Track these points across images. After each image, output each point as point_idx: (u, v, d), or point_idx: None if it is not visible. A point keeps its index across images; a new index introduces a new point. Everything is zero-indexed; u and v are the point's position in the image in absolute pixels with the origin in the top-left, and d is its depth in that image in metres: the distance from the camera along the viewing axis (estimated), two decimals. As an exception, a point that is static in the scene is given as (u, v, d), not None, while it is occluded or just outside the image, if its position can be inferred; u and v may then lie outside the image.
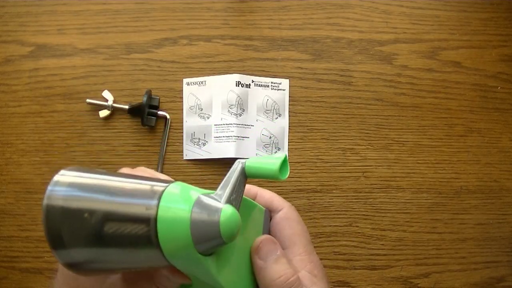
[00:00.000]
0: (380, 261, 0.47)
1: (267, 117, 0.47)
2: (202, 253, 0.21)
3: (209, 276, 0.22)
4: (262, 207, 0.28)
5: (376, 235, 0.47)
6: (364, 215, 0.47)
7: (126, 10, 0.47)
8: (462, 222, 0.47)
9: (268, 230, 0.28)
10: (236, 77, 0.46)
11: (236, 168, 0.24)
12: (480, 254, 0.47)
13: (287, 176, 0.24)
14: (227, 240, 0.20)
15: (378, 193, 0.47)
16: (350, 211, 0.47)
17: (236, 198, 0.23)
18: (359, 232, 0.47)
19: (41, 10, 0.47)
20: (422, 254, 0.47)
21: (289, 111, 0.47)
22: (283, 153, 0.26)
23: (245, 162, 0.24)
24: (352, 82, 0.48)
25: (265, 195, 0.29)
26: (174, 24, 0.47)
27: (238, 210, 0.22)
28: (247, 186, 0.28)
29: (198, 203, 0.20)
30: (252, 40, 0.47)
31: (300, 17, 0.48)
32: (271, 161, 0.24)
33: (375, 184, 0.47)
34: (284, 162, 0.24)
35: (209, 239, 0.20)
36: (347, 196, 0.47)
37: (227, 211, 0.20)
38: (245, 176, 0.24)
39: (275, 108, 0.47)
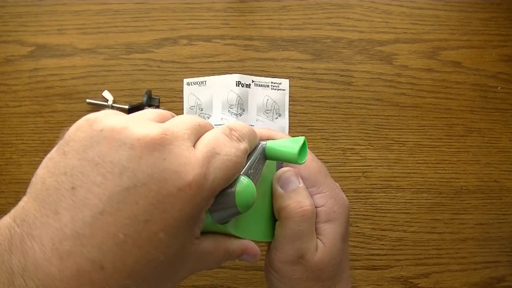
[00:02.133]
0: (380, 261, 0.47)
1: (267, 117, 0.47)
2: (219, 221, 0.22)
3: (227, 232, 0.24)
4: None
5: (376, 235, 0.47)
6: (364, 215, 0.47)
7: (126, 10, 0.47)
8: (462, 222, 0.47)
9: (281, 164, 0.30)
10: (236, 77, 0.46)
11: (258, 147, 0.25)
12: (480, 254, 0.47)
13: (304, 160, 0.25)
14: (242, 210, 0.21)
15: (378, 193, 0.47)
16: (350, 211, 0.47)
17: (255, 173, 0.24)
18: (359, 232, 0.47)
19: (41, 10, 0.47)
20: (422, 254, 0.47)
21: (289, 111, 0.47)
22: (302, 137, 0.26)
23: (266, 143, 0.25)
24: (352, 82, 0.48)
25: (277, 136, 0.30)
26: (174, 24, 0.47)
27: (255, 183, 0.23)
28: (260, 129, 0.30)
29: None
30: (252, 40, 0.47)
31: (300, 17, 0.48)
32: (291, 144, 0.25)
33: (375, 184, 0.47)
34: (303, 146, 0.25)
35: (225, 208, 0.21)
36: (347, 196, 0.46)
37: (243, 182, 0.21)
38: (265, 157, 0.25)
39: (275, 108, 0.47)
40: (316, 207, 0.29)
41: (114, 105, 0.45)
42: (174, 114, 0.23)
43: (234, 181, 0.22)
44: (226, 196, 0.21)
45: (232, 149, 0.21)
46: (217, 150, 0.21)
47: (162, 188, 0.19)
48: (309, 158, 0.29)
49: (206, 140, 0.21)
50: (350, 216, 0.47)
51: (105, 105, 0.45)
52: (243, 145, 0.22)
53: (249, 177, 0.22)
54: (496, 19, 0.49)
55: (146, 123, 0.20)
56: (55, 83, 0.46)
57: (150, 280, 0.20)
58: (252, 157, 0.24)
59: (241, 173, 0.22)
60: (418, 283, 0.47)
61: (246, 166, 0.23)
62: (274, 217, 0.30)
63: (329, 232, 0.29)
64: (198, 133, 0.22)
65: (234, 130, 0.22)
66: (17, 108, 0.46)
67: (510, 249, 0.47)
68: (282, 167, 0.30)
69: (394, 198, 0.47)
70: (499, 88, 0.49)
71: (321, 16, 0.48)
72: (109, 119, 0.20)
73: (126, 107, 0.45)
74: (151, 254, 0.19)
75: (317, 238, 0.29)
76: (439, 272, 0.47)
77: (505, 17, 0.49)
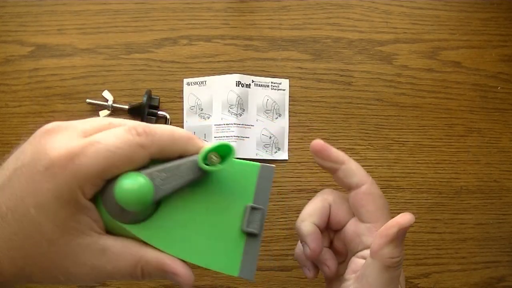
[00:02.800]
0: (380, 261, 0.47)
1: (267, 117, 0.47)
2: (110, 214, 0.22)
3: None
4: (256, 164, 0.25)
5: (376, 235, 0.47)
6: (364, 215, 0.47)
7: (126, 10, 0.47)
8: (462, 222, 0.47)
9: (267, 189, 0.25)
10: (236, 77, 0.46)
11: (188, 156, 0.23)
12: (480, 254, 0.47)
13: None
14: (122, 204, 0.21)
15: (378, 193, 0.47)
16: (350, 211, 0.47)
17: (169, 179, 0.22)
18: (359, 232, 0.47)
19: (41, 10, 0.47)
20: (422, 254, 0.47)
21: (289, 111, 0.47)
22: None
23: (198, 156, 0.23)
24: (352, 82, 0.48)
25: (351, 167, 0.29)
26: (174, 24, 0.47)
27: (168, 189, 0.22)
28: (338, 152, 0.29)
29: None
30: (252, 40, 0.47)
31: (300, 17, 0.48)
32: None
33: (375, 184, 0.47)
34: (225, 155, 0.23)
35: (109, 199, 0.22)
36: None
37: (127, 176, 0.21)
38: (200, 169, 0.23)
39: (275, 108, 0.47)
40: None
41: (114, 105, 0.45)
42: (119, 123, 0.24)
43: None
44: (109, 186, 0.22)
45: (118, 140, 0.21)
46: (100, 140, 0.21)
47: (34, 167, 0.21)
48: (378, 194, 0.29)
49: (99, 133, 0.22)
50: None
51: (105, 105, 0.45)
52: (139, 140, 0.21)
53: (151, 178, 0.22)
54: (496, 19, 0.49)
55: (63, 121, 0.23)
56: (55, 83, 0.46)
57: (32, 262, 0.21)
58: (170, 162, 0.23)
59: (141, 171, 0.22)
60: (418, 283, 0.47)
61: (155, 167, 0.22)
62: (235, 243, 0.24)
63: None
64: (101, 129, 0.23)
65: (141, 127, 0.22)
66: (17, 108, 0.46)
67: (510, 249, 0.47)
68: (265, 195, 0.25)
69: (394, 198, 0.47)
70: (499, 88, 0.49)
71: (321, 16, 0.48)
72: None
73: (126, 107, 0.45)
74: (26, 229, 0.21)
75: None
76: (439, 272, 0.47)
77: (505, 17, 0.49)
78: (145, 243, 0.23)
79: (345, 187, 0.30)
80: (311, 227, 0.29)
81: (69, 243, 0.21)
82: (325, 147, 0.29)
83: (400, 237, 0.25)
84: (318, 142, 0.29)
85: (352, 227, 0.30)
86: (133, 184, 0.21)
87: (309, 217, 0.30)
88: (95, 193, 0.22)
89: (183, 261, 0.23)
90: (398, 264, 0.26)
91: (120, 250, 0.22)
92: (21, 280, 0.22)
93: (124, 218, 0.22)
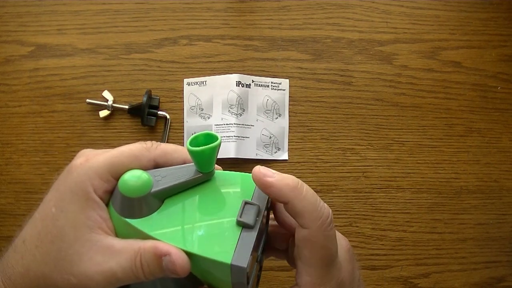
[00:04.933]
0: (380, 261, 0.47)
1: (267, 117, 0.47)
2: (116, 207, 0.25)
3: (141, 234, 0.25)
4: (235, 174, 0.27)
5: (376, 235, 0.47)
6: (364, 215, 0.47)
7: (126, 10, 0.47)
8: (462, 222, 0.47)
9: (265, 198, 0.26)
10: (237, 77, 0.46)
11: (190, 164, 0.26)
12: (480, 254, 0.47)
13: (209, 169, 0.26)
14: (122, 191, 0.24)
15: (378, 193, 0.47)
16: (350, 211, 0.47)
17: (170, 177, 0.25)
18: (359, 232, 0.47)
19: (41, 10, 0.47)
20: (422, 254, 0.47)
21: (289, 111, 0.47)
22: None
23: (186, 143, 0.25)
24: (352, 82, 0.48)
25: (296, 206, 0.25)
26: (174, 24, 0.47)
27: (168, 186, 0.25)
28: (281, 189, 0.25)
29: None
30: (252, 40, 0.47)
31: (300, 17, 0.48)
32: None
33: (375, 184, 0.47)
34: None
35: (115, 191, 0.25)
36: (347, 196, 0.47)
37: (132, 170, 0.25)
38: (199, 173, 0.26)
39: (275, 108, 0.47)
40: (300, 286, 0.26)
41: (114, 105, 0.45)
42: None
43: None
44: (116, 189, 0.25)
45: (128, 145, 0.25)
46: (114, 150, 0.25)
47: (61, 175, 0.25)
48: (319, 244, 0.25)
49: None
50: (350, 216, 0.47)
51: (105, 105, 0.45)
52: (145, 145, 0.26)
53: (152, 175, 0.25)
54: (496, 19, 0.49)
55: None
56: (55, 83, 0.46)
57: (49, 259, 0.24)
58: (173, 167, 0.26)
59: (147, 170, 0.25)
60: (418, 283, 0.47)
61: (159, 169, 0.26)
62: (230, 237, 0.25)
63: None
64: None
65: (152, 142, 0.26)
66: (17, 108, 0.46)
67: (510, 249, 0.47)
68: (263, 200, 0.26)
69: (394, 198, 0.47)
70: (499, 88, 0.49)
71: (321, 16, 0.48)
72: None
73: (126, 107, 0.45)
74: (47, 227, 0.25)
75: None
76: (439, 272, 0.47)
77: (505, 17, 0.49)
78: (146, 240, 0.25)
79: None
80: None
81: (79, 239, 0.24)
82: (264, 181, 0.25)
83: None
84: (257, 173, 0.25)
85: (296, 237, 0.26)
86: (134, 174, 0.24)
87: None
88: (105, 192, 0.25)
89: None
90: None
91: (122, 246, 0.24)
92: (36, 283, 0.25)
93: (130, 214, 0.25)
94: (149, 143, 0.26)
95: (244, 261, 0.23)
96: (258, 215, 0.24)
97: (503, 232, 0.48)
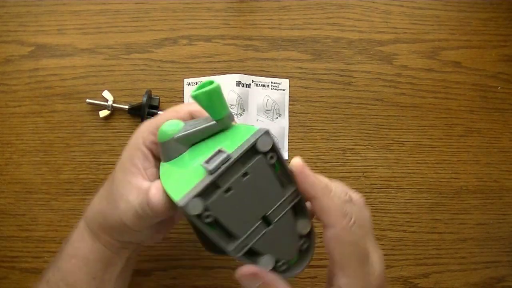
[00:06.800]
0: (380, 261, 0.47)
1: (267, 117, 0.47)
2: (161, 155, 0.31)
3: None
4: (255, 127, 0.27)
5: (376, 235, 0.47)
6: (364, 215, 0.47)
7: (126, 10, 0.47)
8: (462, 222, 0.47)
9: (253, 141, 0.25)
10: (237, 77, 0.46)
11: (210, 120, 0.29)
12: (480, 254, 0.47)
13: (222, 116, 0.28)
14: (159, 138, 0.30)
15: (378, 193, 0.47)
16: (350, 211, 0.47)
17: (195, 124, 0.29)
18: (359, 232, 0.47)
19: (41, 10, 0.47)
20: (422, 254, 0.47)
21: (289, 111, 0.47)
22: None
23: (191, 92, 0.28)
24: (352, 82, 0.48)
25: (323, 204, 0.25)
26: (174, 24, 0.47)
27: (190, 133, 0.29)
28: (313, 183, 0.26)
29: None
30: (252, 40, 0.47)
31: (300, 17, 0.48)
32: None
33: (375, 184, 0.47)
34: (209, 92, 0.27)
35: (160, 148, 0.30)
36: (347, 196, 0.47)
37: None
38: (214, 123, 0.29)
39: (275, 108, 0.47)
40: None
41: (114, 105, 0.45)
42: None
43: None
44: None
45: (171, 108, 0.32)
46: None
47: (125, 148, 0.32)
48: (348, 241, 0.25)
49: None
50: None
51: (105, 105, 0.45)
52: (184, 103, 0.33)
53: (182, 125, 0.30)
54: (496, 19, 0.49)
55: None
56: (55, 83, 0.46)
57: (106, 192, 0.32)
58: (200, 118, 0.31)
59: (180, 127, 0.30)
60: (418, 283, 0.47)
61: (190, 120, 0.31)
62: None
63: None
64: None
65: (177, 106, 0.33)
66: (17, 108, 0.46)
67: (510, 249, 0.47)
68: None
69: (394, 198, 0.47)
70: (499, 88, 0.49)
71: (321, 16, 0.48)
72: None
73: (126, 107, 0.45)
74: (112, 171, 0.32)
75: None
76: (439, 272, 0.47)
77: (505, 17, 0.49)
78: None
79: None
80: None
81: (123, 181, 0.30)
82: (303, 172, 0.26)
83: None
84: (298, 163, 0.26)
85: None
86: (166, 123, 0.30)
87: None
88: (152, 142, 0.31)
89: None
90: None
91: (146, 187, 0.29)
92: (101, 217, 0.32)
93: (164, 158, 0.30)
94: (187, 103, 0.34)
95: (183, 200, 0.23)
96: (224, 162, 0.24)
97: (503, 232, 0.48)
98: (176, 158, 0.29)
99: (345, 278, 0.25)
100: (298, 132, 0.47)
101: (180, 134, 0.29)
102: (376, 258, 0.27)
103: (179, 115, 0.31)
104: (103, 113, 0.45)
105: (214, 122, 0.28)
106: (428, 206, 0.47)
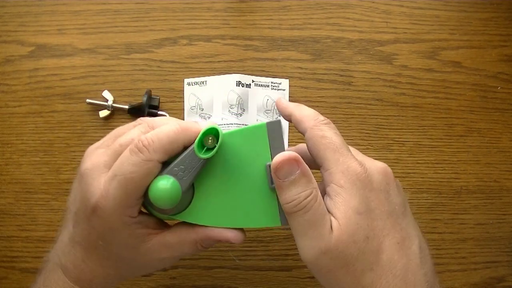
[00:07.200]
0: (380, 261, 0.47)
1: (267, 117, 0.47)
2: (160, 213, 0.28)
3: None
4: (262, 123, 0.28)
5: (376, 235, 0.47)
6: (364, 215, 0.47)
7: (126, 10, 0.47)
8: (462, 222, 0.47)
9: (281, 143, 0.28)
10: (237, 77, 0.46)
11: (190, 147, 0.26)
12: (480, 254, 0.47)
13: (208, 154, 0.26)
14: (159, 204, 0.25)
15: (378, 193, 0.47)
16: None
17: (186, 169, 0.26)
18: (359, 232, 0.47)
19: (41, 10, 0.47)
20: (422, 254, 0.47)
21: (289, 111, 0.47)
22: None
23: (193, 145, 0.26)
24: (352, 82, 0.48)
25: (296, 116, 0.30)
26: (174, 24, 0.47)
27: (188, 178, 0.26)
28: (286, 105, 0.31)
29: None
30: (252, 40, 0.47)
31: (300, 17, 0.48)
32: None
33: (375, 184, 0.47)
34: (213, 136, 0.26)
35: (150, 203, 0.27)
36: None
37: (154, 181, 0.25)
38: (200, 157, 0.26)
39: (275, 108, 0.47)
40: (326, 186, 0.27)
41: (114, 105, 0.45)
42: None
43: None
44: (145, 194, 0.26)
45: (129, 166, 0.26)
46: (116, 172, 0.26)
47: (86, 211, 0.27)
48: (320, 135, 0.28)
49: (114, 165, 0.27)
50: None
51: (105, 105, 0.45)
52: (146, 156, 0.25)
53: (173, 174, 0.25)
54: (496, 19, 0.49)
55: (88, 155, 0.30)
56: (55, 83, 0.46)
57: (111, 260, 0.29)
58: (181, 156, 0.26)
59: (163, 173, 0.26)
60: (418, 283, 0.47)
61: (171, 165, 0.26)
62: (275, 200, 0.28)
63: (339, 206, 0.26)
64: (117, 155, 0.27)
65: (142, 142, 0.26)
66: (17, 108, 0.46)
67: (510, 249, 0.47)
68: (280, 149, 0.28)
69: (394, 198, 0.47)
70: (499, 88, 0.49)
71: (321, 16, 0.48)
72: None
73: (126, 107, 0.45)
74: (94, 254, 0.29)
75: (331, 217, 0.26)
76: (439, 272, 0.47)
77: (505, 17, 0.49)
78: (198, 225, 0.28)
79: None
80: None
81: (138, 251, 0.28)
82: (277, 102, 0.32)
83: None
84: (277, 99, 0.32)
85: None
86: (156, 185, 0.25)
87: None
88: (138, 206, 0.27)
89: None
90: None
91: (178, 240, 0.28)
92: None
93: (172, 213, 0.27)
94: (140, 146, 0.26)
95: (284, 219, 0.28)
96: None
97: (503, 232, 0.48)
98: (191, 205, 0.28)
99: (327, 169, 0.27)
100: (298, 132, 0.47)
101: (186, 186, 0.26)
102: (352, 149, 0.30)
103: (153, 173, 0.26)
104: (103, 113, 0.45)
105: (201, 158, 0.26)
106: (428, 206, 0.47)
